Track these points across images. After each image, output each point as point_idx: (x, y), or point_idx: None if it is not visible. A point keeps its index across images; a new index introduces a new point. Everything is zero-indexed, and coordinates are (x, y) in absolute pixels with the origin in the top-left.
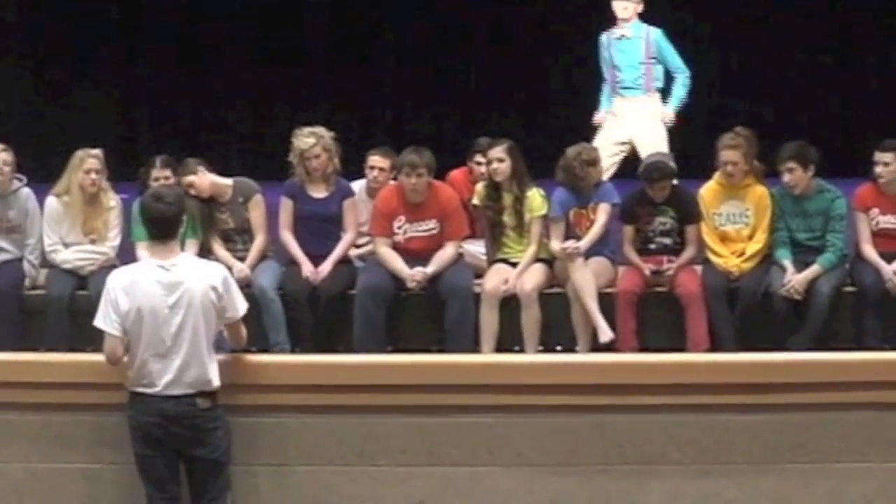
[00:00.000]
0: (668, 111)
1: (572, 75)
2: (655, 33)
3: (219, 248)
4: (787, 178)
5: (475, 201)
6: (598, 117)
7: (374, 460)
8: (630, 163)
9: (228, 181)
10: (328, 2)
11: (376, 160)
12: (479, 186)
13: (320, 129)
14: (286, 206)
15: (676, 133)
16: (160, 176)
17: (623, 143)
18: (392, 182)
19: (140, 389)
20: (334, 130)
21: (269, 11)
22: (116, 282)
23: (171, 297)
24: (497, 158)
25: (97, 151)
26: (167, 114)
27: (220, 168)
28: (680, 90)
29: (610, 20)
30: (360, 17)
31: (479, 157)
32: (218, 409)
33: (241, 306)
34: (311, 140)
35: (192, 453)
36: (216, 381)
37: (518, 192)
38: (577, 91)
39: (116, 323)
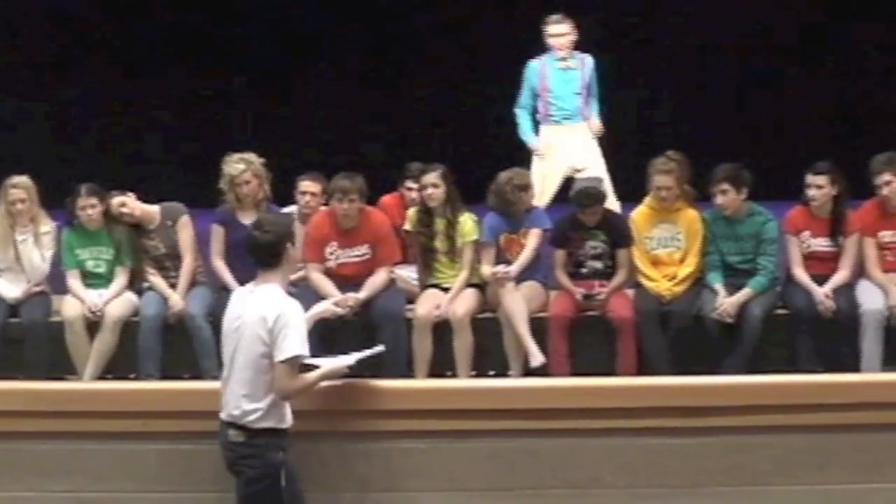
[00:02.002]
0: (595, 121)
1: (503, 100)
2: (590, 62)
3: (152, 275)
4: (720, 199)
5: (407, 227)
6: (535, 144)
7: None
8: (560, 187)
9: (155, 207)
10: (256, 30)
11: (307, 185)
12: (411, 212)
13: (250, 156)
14: (217, 234)
15: (606, 156)
16: (86, 204)
17: (560, 175)
18: (323, 207)
19: None
20: (263, 157)
21: (195, 40)
22: None
23: (235, 322)
24: (432, 184)
25: (22, 180)
26: (98, 141)
27: (148, 197)
28: (596, 105)
29: (541, 46)
30: (289, 43)
31: (410, 183)
32: (255, 448)
33: (286, 349)
34: (241, 166)
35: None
36: (251, 420)
37: (450, 217)
38: (509, 116)
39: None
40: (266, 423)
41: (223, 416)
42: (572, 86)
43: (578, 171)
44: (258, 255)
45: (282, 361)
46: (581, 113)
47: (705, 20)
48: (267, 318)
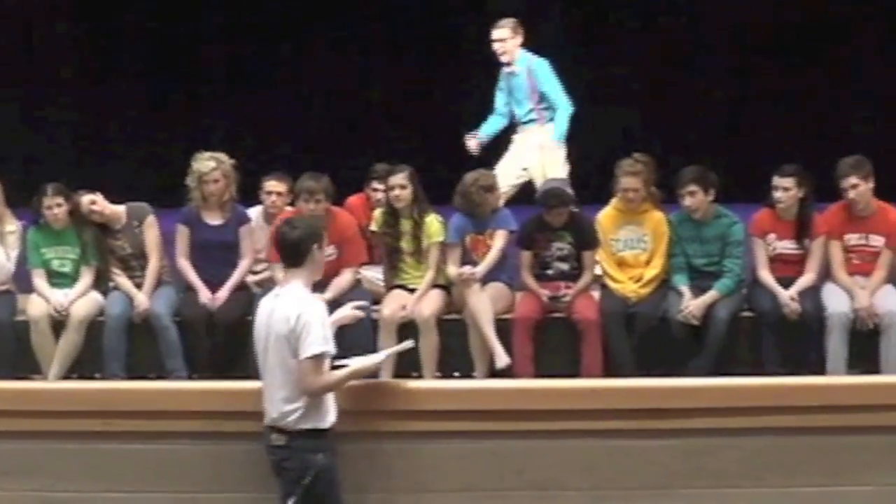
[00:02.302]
0: (551, 144)
1: (470, 101)
2: (535, 64)
3: (118, 275)
4: (688, 201)
5: (373, 227)
6: (471, 144)
7: None
8: (528, 188)
9: (121, 207)
10: (222, 31)
11: (273, 185)
12: (377, 213)
13: (221, 155)
14: (182, 234)
15: (572, 159)
16: (52, 203)
17: (522, 172)
18: (289, 208)
19: None
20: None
21: (160, 39)
22: None
23: (266, 327)
24: (399, 185)
25: None
26: (66, 140)
27: (114, 197)
28: (561, 124)
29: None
30: (255, 44)
31: (376, 184)
32: (295, 450)
33: (309, 347)
34: (211, 164)
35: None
36: (290, 422)
37: (416, 218)
38: (476, 118)
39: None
40: (305, 424)
41: (266, 419)
42: (518, 92)
43: (535, 176)
44: (284, 251)
45: (304, 359)
46: (535, 117)
47: (670, 20)
48: (290, 317)
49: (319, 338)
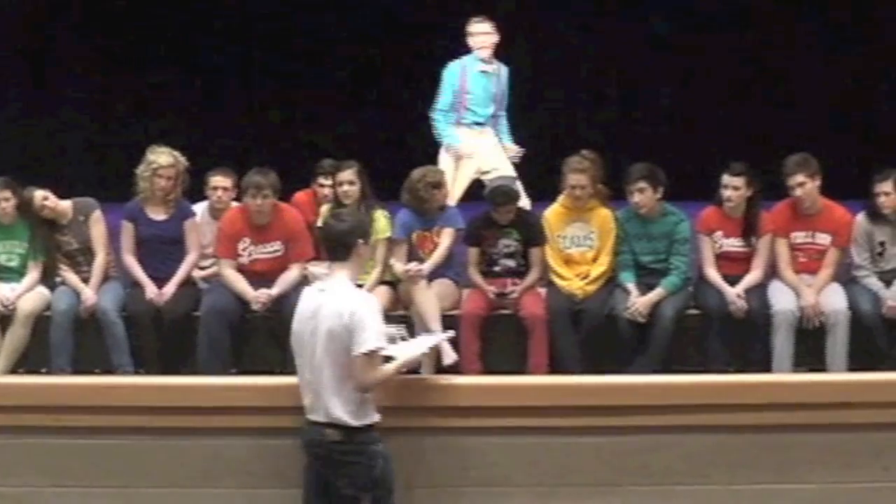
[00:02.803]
0: (511, 146)
1: (418, 97)
2: (506, 70)
3: (66, 270)
4: (637, 198)
5: (320, 223)
6: (458, 146)
7: None
8: (475, 185)
9: (68, 202)
10: (168, 25)
11: (218, 180)
12: (325, 208)
13: (178, 153)
14: (127, 230)
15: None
16: (0, 198)
17: (468, 175)
18: (235, 203)
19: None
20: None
21: (110, 34)
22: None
23: (312, 322)
24: (347, 181)
25: None
26: (9, 135)
27: (60, 191)
28: (506, 126)
29: (461, 46)
30: (201, 40)
31: (322, 179)
32: (357, 445)
33: (364, 343)
34: (169, 159)
35: (332, 481)
36: (347, 418)
37: (364, 214)
38: (423, 113)
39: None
40: (364, 419)
41: (314, 417)
42: (490, 92)
43: (485, 172)
44: (330, 244)
45: (360, 355)
46: (493, 120)
47: (619, 20)
48: (343, 313)
49: (374, 333)
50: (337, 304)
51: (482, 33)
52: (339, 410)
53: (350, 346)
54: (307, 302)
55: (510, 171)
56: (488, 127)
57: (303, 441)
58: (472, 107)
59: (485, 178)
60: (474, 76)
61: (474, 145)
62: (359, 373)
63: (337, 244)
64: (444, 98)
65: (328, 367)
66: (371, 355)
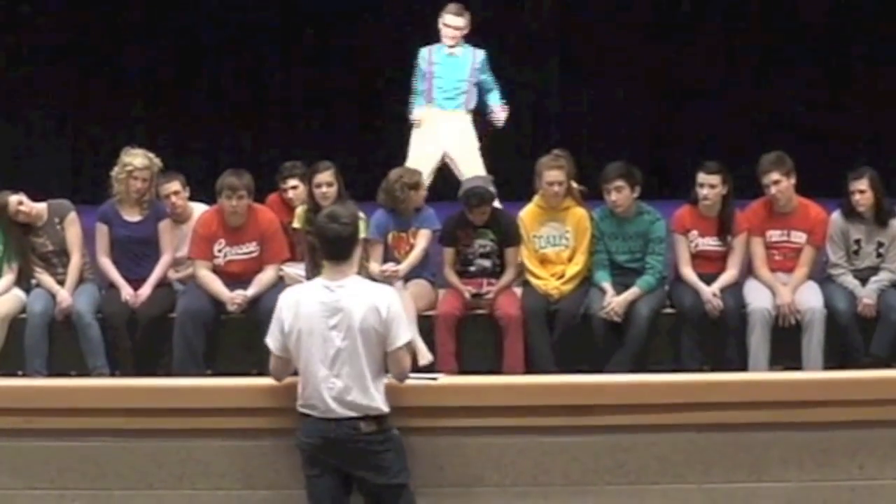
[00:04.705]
0: (497, 110)
1: (393, 96)
2: (481, 55)
3: (41, 273)
4: (613, 196)
5: (296, 224)
6: (413, 114)
7: None
8: (451, 185)
9: (42, 205)
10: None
11: (167, 187)
12: (300, 210)
13: (154, 156)
14: (101, 232)
15: (489, 156)
16: None
17: (435, 156)
18: (195, 203)
19: (306, 410)
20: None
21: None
22: (284, 301)
23: (332, 319)
24: (326, 182)
25: None
26: None
27: (33, 194)
28: (496, 95)
29: (432, 37)
30: (175, 43)
31: (289, 182)
32: (387, 433)
33: (402, 336)
34: (144, 161)
35: (361, 476)
36: (382, 406)
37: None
38: (400, 113)
39: (279, 342)
40: (387, 408)
41: (342, 413)
42: (458, 72)
43: (452, 158)
44: (337, 246)
45: (399, 347)
46: (464, 103)
47: (595, 19)
48: (380, 308)
49: (406, 325)
50: (373, 300)
51: (453, 26)
52: (378, 401)
53: (387, 339)
54: (313, 300)
55: (476, 161)
56: (461, 110)
57: (322, 442)
58: (439, 85)
59: (457, 172)
60: (441, 58)
61: (439, 123)
62: (400, 364)
63: (346, 245)
64: (417, 83)
65: (364, 360)
66: (407, 347)
